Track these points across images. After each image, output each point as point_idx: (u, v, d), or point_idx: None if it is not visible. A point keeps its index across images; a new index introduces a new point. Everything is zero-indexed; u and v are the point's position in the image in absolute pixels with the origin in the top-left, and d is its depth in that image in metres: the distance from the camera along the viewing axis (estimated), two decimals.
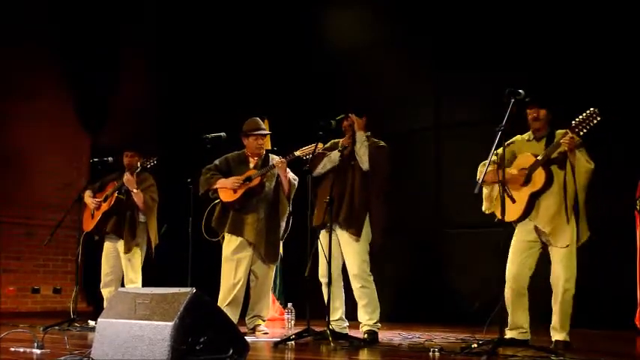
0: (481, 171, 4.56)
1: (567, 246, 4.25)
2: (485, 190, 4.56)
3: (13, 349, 3.96)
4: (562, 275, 4.24)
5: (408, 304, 7.08)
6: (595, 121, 4.04)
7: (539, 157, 4.25)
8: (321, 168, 4.96)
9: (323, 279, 4.81)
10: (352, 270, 4.86)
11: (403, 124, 7.50)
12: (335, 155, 4.93)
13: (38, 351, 3.83)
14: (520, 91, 4.04)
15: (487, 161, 4.50)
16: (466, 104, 7.19)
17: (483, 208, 4.57)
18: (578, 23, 6.52)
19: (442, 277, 7.28)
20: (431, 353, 3.97)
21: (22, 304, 8.45)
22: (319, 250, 4.77)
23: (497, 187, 4.35)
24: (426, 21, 7.56)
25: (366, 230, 4.88)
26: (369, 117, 5.00)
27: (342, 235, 4.89)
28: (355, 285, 4.85)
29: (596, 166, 4.32)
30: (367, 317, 4.82)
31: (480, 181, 4.42)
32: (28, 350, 3.88)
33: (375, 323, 4.83)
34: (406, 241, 7.32)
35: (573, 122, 4.08)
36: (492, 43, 6.98)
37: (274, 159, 5.62)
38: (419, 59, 7.56)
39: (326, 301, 4.73)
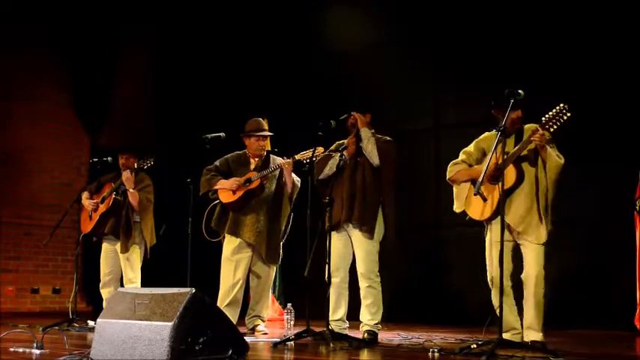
0: (451, 170, 4.56)
1: (542, 244, 4.21)
2: (455, 189, 4.55)
3: (12, 349, 3.95)
4: (534, 274, 4.20)
5: (407, 305, 7.08)
6: (565, 117, 4.00)
7: (509, 154, 4.19)
8: (328, 170, 4.94)
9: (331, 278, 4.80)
10: (361, 269, 4.86)
11: (403, 124, 7.50)
12: (337, 156, 4.92)
13: (37, 351, 3.82)
14: (519, 91, 4.03)
15: (456, 160, 4.54)
16: (466, 104, 7.18)
17: (455, 207, 4.55)
18: (579, 23, 6.52)
19: (441, 278, 7.28)
20: (430, 354, 3.96)
21: (21, 304, 8.45)
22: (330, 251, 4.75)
23: (467, 186, 4.40)
24: (426, 21, 7.56)
25: (379, 229, 4.87)
26: (374, 115, 4.99)
27: (355, 234, 4.88)
28: (362, 284, 4.86)
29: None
30: (369, 317, 4.82)
31: (449, 180, 4.53)
32: (27, 350, 3.88)
33: (376, 324, 4.84)
34: (406, 241, 7.31)
35: (543, 118, 4.05)
36: (492, 43, 6.98)
37: (276, 159, 5.62)
38: (419, 59, 7.56)
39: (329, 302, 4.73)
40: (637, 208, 5.69)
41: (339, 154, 4.86)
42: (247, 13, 8.66)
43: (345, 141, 5.01)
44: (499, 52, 6.88)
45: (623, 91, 6.25)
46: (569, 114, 3.99)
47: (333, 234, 4.81)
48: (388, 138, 4.96)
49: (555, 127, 4.03)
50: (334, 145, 5.11)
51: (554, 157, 4.17)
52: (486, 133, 4.50)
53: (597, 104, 6.29)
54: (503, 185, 3.99)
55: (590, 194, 6.16)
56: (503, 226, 3.96)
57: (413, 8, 7.61)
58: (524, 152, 4.20)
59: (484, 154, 4.40)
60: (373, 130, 4.94)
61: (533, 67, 6.59)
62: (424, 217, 7.47)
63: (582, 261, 6.20)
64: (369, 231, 4.83)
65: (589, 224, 6.20)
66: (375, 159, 4.82)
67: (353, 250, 4.93)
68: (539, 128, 4.05)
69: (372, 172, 4.86)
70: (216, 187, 5.60)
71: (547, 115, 4.04)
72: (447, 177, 4.58)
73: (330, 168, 4.93)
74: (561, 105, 4.02)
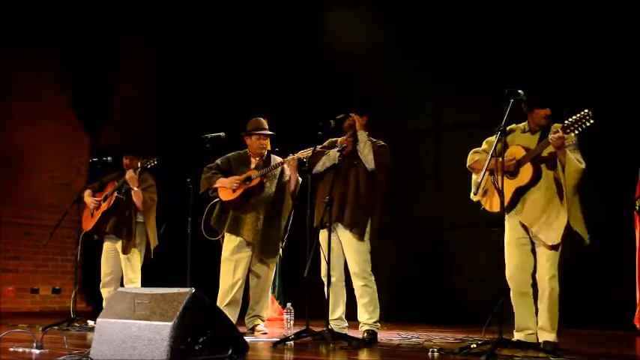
0: (471, 158, 4.55)
1: (555, 245, 4.19)
2: (474, 177, 4.54)
3: (12, 349, 3.95)
4: (547, 274, 4.19)
5: (406, 305, 7.07)
6: (588, 123, 3.96)
7: (528, 152, 4.20)
8: (320, 166, 4.97)
9: (325, 278, 4.81)
10: (354, 269, 4.87)
11: (403, 124, 7.50)
12: (334, 154, 4.93)
13: (37, 351, 3.82)
14: (519, 91, 4.02)
15: (478, 149, 4.54)
16: (466, 105, 7.18)
17: (472, 195, 4.53)
18: (578, 22, 6.52)
19: (441, 278, 7.27)
20: (430, 353, 3.96)
21: (21, 304, 8.46)
22: (320, 250, 4.77)
23: (485, 176, 4.32)
24: (426, 21, 7.56)
25: (368, 230, 4.90)
26: (370, 117, 4.99)
27: (345, 235, 4.90)
28: (357, 284, 4.87)
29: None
30: (367, 316, 4.83)
31: (469, 167, 4.51)
32: (27, 350, 3.88)
33: (375, 323, 4.84)
34: (406, 241, 7.31)
35: (566, 122, 4.03)
36: (492, 43, 6.98)
37: (276, 159, 5.63)
38: (419, 59, 7.56)
39: (328, 301, 4.73)
40: (637, 208, 5.69)
41: (337, 153, 4.87)
42: (247, 13, 8.66)
43: (339, 139, 5.02)
44: (499, 52, 6.88)
45: (623, 91, 6.24)
46: (592, 120, 3.96)
47: (324, 233, 4.80)
48: (382, 142, 4.97)
49: (577, 132, 4.00)
50: (327, 141, 5.12)
51: (574, 162, 4.12)
52: (513, 125, 4.47)
53: (597, 104, 6.25)
54: (502, 186, 4.00)
55: (590, 194, 6.14)
56: (503, 225, 3.97)
57: (413, 8, 7.61)
58: (545, 153, 4.18)
59: (507, 145, 4.34)
60: (367, 133, 4.94)
61: (533, 67, 6.58)
62: (424, 217, 7.46)
63: (582, 261, 6.19)
64: (359, 233, 4.86)
65: (589, 224, 6.19)
66: (370, 163, 4.84)
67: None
68: (559, 131, 4.03)
69: (366, 176, 4.88)
70: (215, 186, 5.61)
71: (570, 119, 4.01)
72: (467, 164, 4.57)
73: (323, 164, 4.96)
74: (585, 111, 3.97)
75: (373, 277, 4.90)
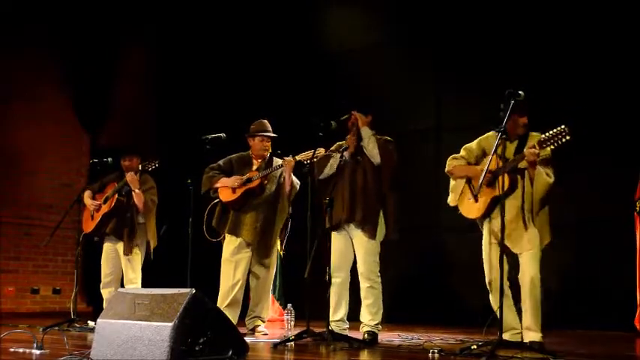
0: (449, 163, 4.58)
1: (529, 250, 4.22)
2: (451, 182, 4.56)
3: (12, 350, 3.95)
4: (528, 276, 4.20)
5: (407, 305, 7.07)
6: (564, 139, 3.94)
7: (506, 163, 4.18)
8: (329, 169, 4.94)
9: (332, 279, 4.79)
10: (361, 269, 4.86)
11: (403, 125, 7.49)
12: (337, 156, 4.92)
13: (37, 351, 3.82)
14: (520, 92, 4.02)
15: (456, 155, 4.56)
16: (466, 104, 7.18)
17: (449, 200, 4.57)
18: (579, 23, 6.52)
19: (441, 278, 7.27)
20: (430, 354, 3.96)
21: (21, 305, 8.45)
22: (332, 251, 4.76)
23: (462, 182, 4.45)
24: (426, 21, 7.56)
25: (380, 229, 4.88)
26: (374, 116, 4.98)
27: (356, 235, 4.88)
28: (363, 284, 4.86)
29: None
30: (369, 317, 4.82)
31: (447, 172, 4.56)
32: (27, 351, 3.88)
33: (377, 324, 4.83)
34: (406, 241, 7.29)
35: (542, 137, 4.02)
36: (492, 43, 6.98)
37: (278, 161, 5.62)
38: (419, 59, 7.56)
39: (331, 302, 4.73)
40: (637, 209, 5.69)
41: (339, 154, 4.86)
42: (247, 13, 8.66)
43: (345, 142, 5.01)
44: (500, 53, 6.88)
45: (623, 91, 6.25)
46: (568, 137, 3.94)
47: (334, 234, 4.82)
48: (388, 138, 4.96)
49: (553, 147, 4.00)
50: (334, 145, 5.11)
51: (543, 177, 4.16)
52: (490, 132, 4.48)
53: (598, 104, 6.29)
54: (503, 187, 3.99)
55: (591, 194, 6.16)
56: (504, 228, 3.96)
57: (413, 8, 7.62)
58: (521, 165, 4.19)
59: (484, 154, 4.41)
60: (374, 132, 4.94)
61: (533, 66, 6.59)
62: (424, 217, 7.46)
63: (582, 261, 6.19)
64: (370, 231, 4.83)
65: (589, 224, 6.20)
66: (376, 157, 4.82)
67: (354, 250, 4.93)
68: (536, 146, 4.04)
69: (373, 172, 4.86)
70: (217, 186, 5.62)
71: (546, 134, 4.00)
72: (446, 169, 4.61)
73: (331, 167, 4.94)
74: (562, 126, 3.96)
75: (380, 279, 4.89)
